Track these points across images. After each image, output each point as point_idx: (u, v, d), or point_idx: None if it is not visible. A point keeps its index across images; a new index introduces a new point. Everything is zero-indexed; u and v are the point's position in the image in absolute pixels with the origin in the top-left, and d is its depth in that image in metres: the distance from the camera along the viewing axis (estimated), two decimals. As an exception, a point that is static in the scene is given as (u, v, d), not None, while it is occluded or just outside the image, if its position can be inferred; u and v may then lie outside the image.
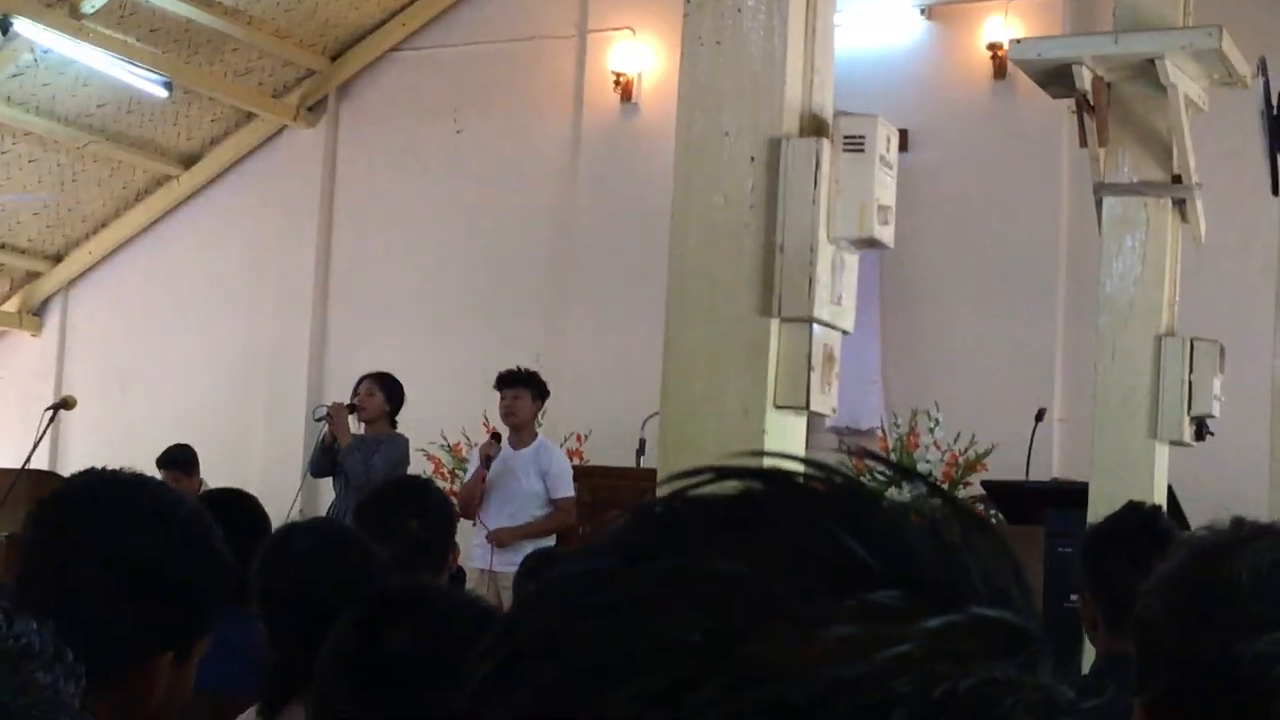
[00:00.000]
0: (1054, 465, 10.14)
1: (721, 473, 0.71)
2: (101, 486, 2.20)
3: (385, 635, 2.07)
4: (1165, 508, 4.50)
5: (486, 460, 8.82)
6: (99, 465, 2.30)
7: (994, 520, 8.49)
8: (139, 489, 2.20)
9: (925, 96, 10.99)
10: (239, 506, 4.49)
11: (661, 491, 0.72)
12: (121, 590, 2.06)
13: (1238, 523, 1.72)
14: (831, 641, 0.65)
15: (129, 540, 2.10)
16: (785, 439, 2.90)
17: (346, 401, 9.03)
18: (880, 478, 5.62)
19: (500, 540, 8.54)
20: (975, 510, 0.72)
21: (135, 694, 2.13)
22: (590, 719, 0.65)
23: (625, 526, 0.72)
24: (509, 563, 8.08)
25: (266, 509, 4.68)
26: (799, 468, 0.71)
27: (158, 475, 9.97)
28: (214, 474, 10.33)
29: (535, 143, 12.31)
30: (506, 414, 8.86)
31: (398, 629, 2.09)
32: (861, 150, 3.00)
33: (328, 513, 8.72)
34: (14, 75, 11.54)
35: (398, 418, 9.02)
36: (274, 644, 3.22)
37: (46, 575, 2.08)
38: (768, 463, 0.74)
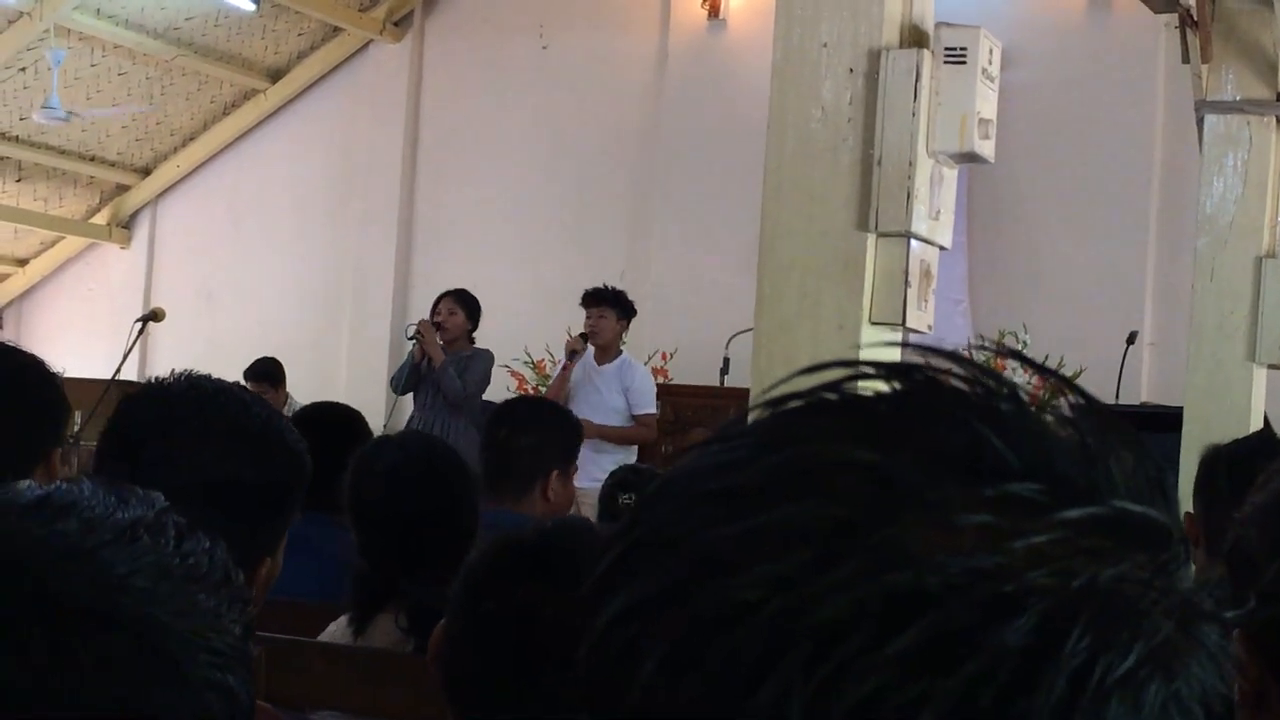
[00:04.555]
0: (1143, 390, 10.03)
1: (849, 365, 0.68)
2: (169, 411, 2.16)
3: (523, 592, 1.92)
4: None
5: (572, 355, 8.82)
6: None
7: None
8: (208, 407, 2.16)
9: (1020, 14, 10.80)
10: (338, 419, 4.51)
11: (755, 403, 0.70)
12: (194, 516, 2.04)
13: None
14: (968, 530, 0.62)
15: (204, 469, 2.08)
16: (881, 356, 2.85)
17: (427, 318, 9.04)
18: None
19: (585, 432, 8.45)
20: (1118, 416, 0.69)
21: None
22: (712, 605, 0.63)
23: (755, 421, 0.70)
24: (592, 479, 8.08)
25: (354, 422, 4.68)
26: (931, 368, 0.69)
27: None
28: (299, 388, 10.42)
29: (621, 59, 12.23)
30: (591, 332, 8.84)
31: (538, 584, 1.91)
32: (963, 62, 2.93)
33: (408, 426, 8.74)
34: (103, -13, 11.59)
35: (475, 334, 9.01)
36: (364, 555, 3.23)
37: None
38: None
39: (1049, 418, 0.68)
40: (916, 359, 0.70)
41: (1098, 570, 0.62)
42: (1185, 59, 5.22)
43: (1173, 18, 5.21)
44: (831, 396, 0.69)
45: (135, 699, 0.88)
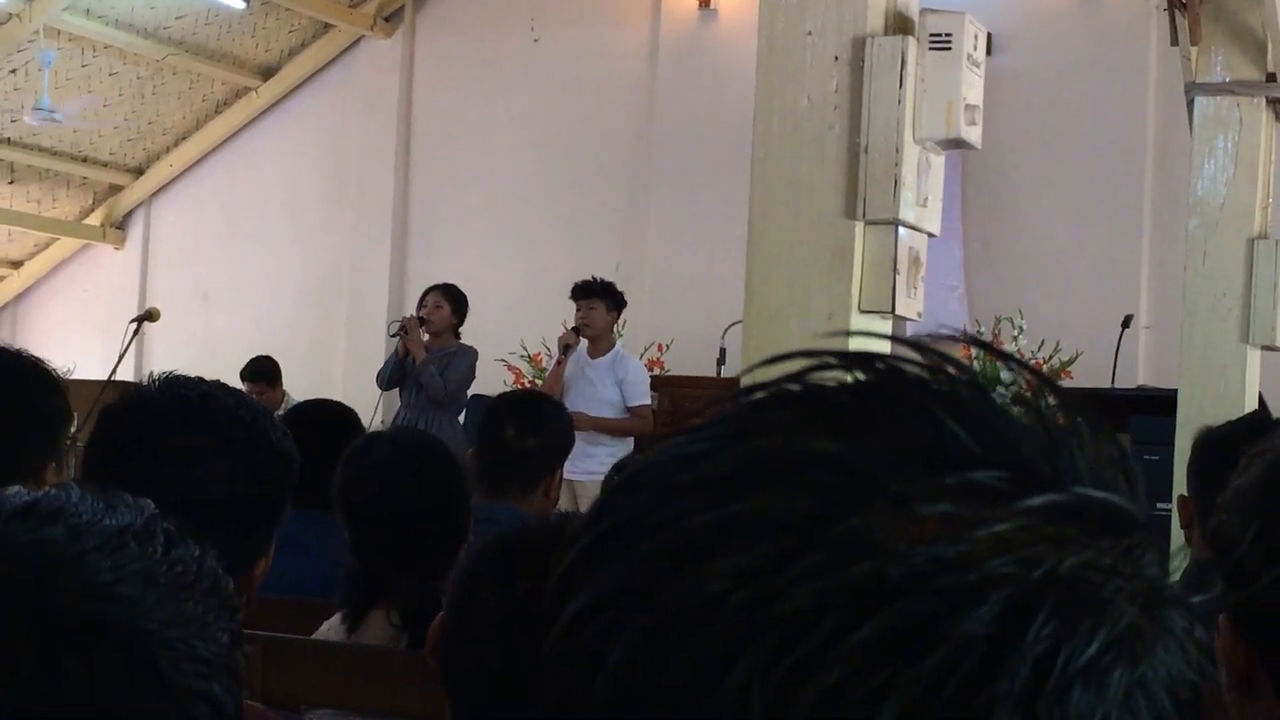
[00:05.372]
0: (1139, 373, 10.04)
1: (813, 355, 0.68)
2: (152, 425, 2.13)
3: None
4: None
5: (565, 349, 8.83)
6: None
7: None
8: (193, 417, 2.13)
9: (1009, -1, 10.80)
10: (332, 416, 4.50)
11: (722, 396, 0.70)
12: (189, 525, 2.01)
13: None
14: (931, 519, 0.62)
15: (192, 482, 2.06)
16: (870, 345, 2.84)
17: (414, 314, 9.06)
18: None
19: (579, 424, 8.45)
20: (1081, 399, 0.69)
21: None
22: (679, 596, 0.63)
23: (721, 412, 0.70)
24: (586, 471, 8.08)
25: (347, 419, 4.67)
26: (899, 355, 0.68)
27: (241, 388, 10.06)
28: (296, 385, 10.41)
29: (613, 50, 12.22)
30: (582, 324, 8.85)
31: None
32: (949, 48, 2.92)
33: (394, 422, 8.77)
34: (93, -12, 11.57)
35: (461, 329, 9.03)
36: (355, 552, 3.22)
37: None
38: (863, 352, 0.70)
39: (1012, 405, 0.67)
40: (913, 345, 0.70)
41: (1060, 557, 0.62)
42: (1175, 41, 5.21)
43: (1162, 0, 5.20)
44: (795, 387, 0.69)
45: (121, 709, 0.88)
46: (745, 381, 0.72)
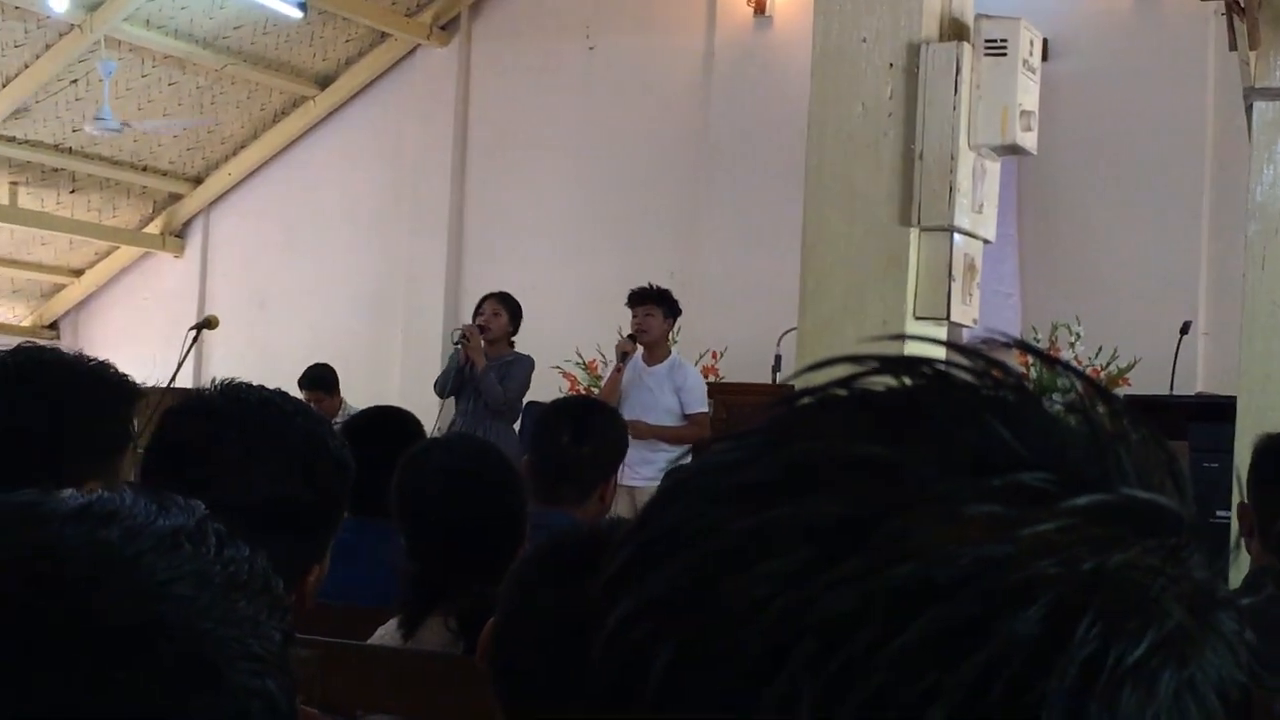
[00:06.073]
0: (1198, 380, 9.95)
1: (858, 360, 0.69)
2: (212, 429, 2.15)
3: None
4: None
5: (623, 356, 8.84)
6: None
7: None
8: (251, 423, 2.15)
9: (1066, 4, 10.74)
10: (396, 423, 4.51)
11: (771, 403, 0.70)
12: (242, 534, 2.02)
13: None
14: (976, 521, 0.62)
15: (250, 487, 2.07)
16: (925, 351, 2.84)
17: (473, 322, 9.07)
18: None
19: (638, 432, 8.48)
20: (1128, 404, 0.69)
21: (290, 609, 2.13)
22: (724, 601, 0.63)
23: (766, 418, 0.70)
24: (644, 478, 8.09)
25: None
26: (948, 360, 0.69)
27: (300, 396, 10.08)
28: (353, 392, 10.46)
29: (668, 58, 12.23)
30: (638, 331, 8.85)
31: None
32: (1004, 54, 2.92)
33: (450, 429, 8.78)
34: (152, -1, 11.67)
35: (515, 337, 9.04)
36: (412, 557, 3.24)
37: None
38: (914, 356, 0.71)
39: (1059, 408, 0.67)
40: (960, 349, 0.70)
41: (1106, 557, 0.62)
42: (1233, 46, 5.18)
43: (1221, 4, 5.16)
44: (841, 392, 0.69)
45: (179, 707, 0.88)
46: (793, 387, 0.72)
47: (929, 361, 0.69)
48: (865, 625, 0.61)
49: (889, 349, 0.71)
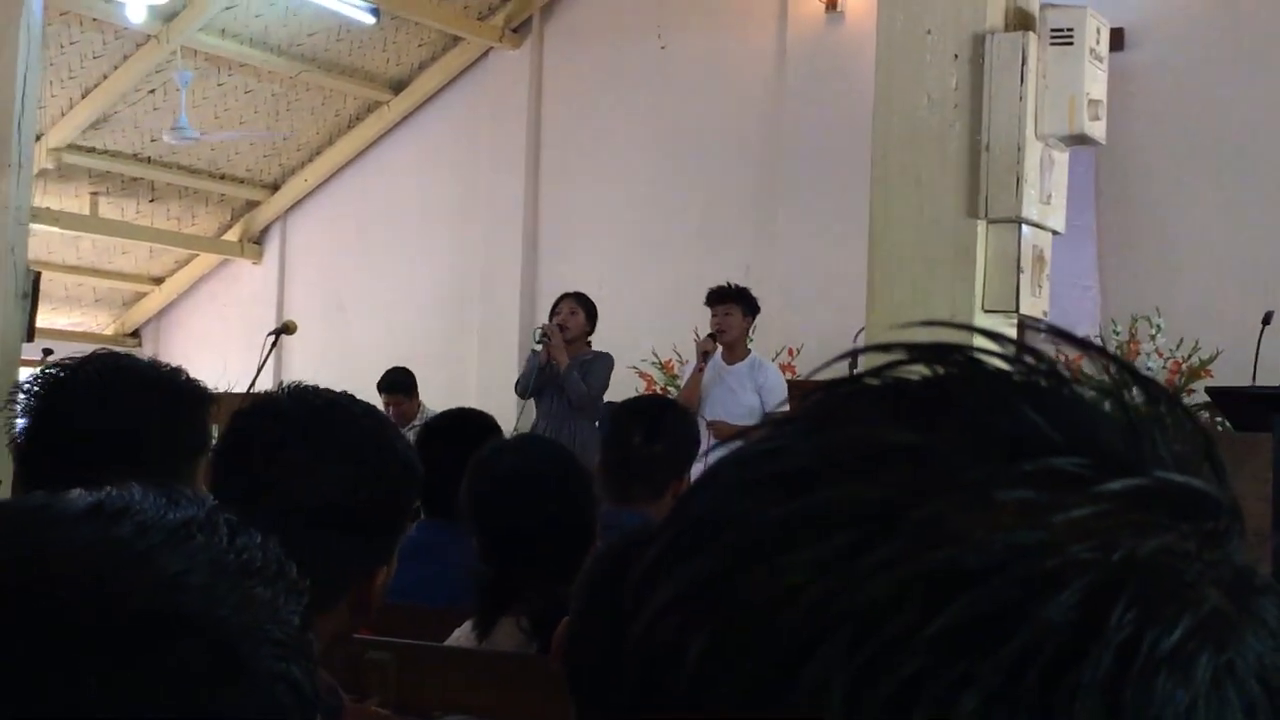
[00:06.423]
0: (1282, 370, 9.83)
1: (888, 349, 0.68)
2: (280, 432, 2.17)
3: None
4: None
5: (704, 356, 8.84)
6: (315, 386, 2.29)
7: (1220, 427, 8.27)
8: (318, 425, 2.17)
9: (1141, -7, 10.64)
10: (473, 425, 4.53)
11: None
12: (307, 533, 2.03)
13: None
14: (1008, 506, 0.62)
15: (318, 489, 2.09)
16: (995, 346, 2.81)
17: (552, 322, 9.09)
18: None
19: (720, 432, 8.48)
20: (1162, 385, 0.68)
21: (357, 610, 2.15)
22: (755, 589, 0.63)
23: (800, 408, 0.70)
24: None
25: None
26: (992, 346, 0.68)
27: (378, 399, 10.08)
28: (431, 395, 10.52)
29: (740, 56, 12.22)
30: (717, 330, 8.85)
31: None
32: (1070, 43, 2.89)
33: (533, 429, 8.80)
34: (227, 8, 11.76)
35: (592, 336, 9.05)
36: (484, 559, 3.25)
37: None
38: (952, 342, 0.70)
39: (1093, 393, 0.67)
40: (992, 335, 0.70)
41: (1140, 543, 0.61)
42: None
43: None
44: (874, 381, 0.69)
45: (205, 697, 0.89)
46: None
47: (960, 348, 0.69)
48: (898, 613, 0.60)
49: (959, 338, 0.71)
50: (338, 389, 2.31)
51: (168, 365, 2.76)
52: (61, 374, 2.64)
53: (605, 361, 8.89)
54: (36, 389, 2.61)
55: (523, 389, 9.10)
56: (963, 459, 0.63)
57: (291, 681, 0.94)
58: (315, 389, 2.26)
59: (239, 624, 0.92)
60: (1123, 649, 0.60)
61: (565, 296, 9.13)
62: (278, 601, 0.96)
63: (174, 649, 0.90)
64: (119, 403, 2.58)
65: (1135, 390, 0.67)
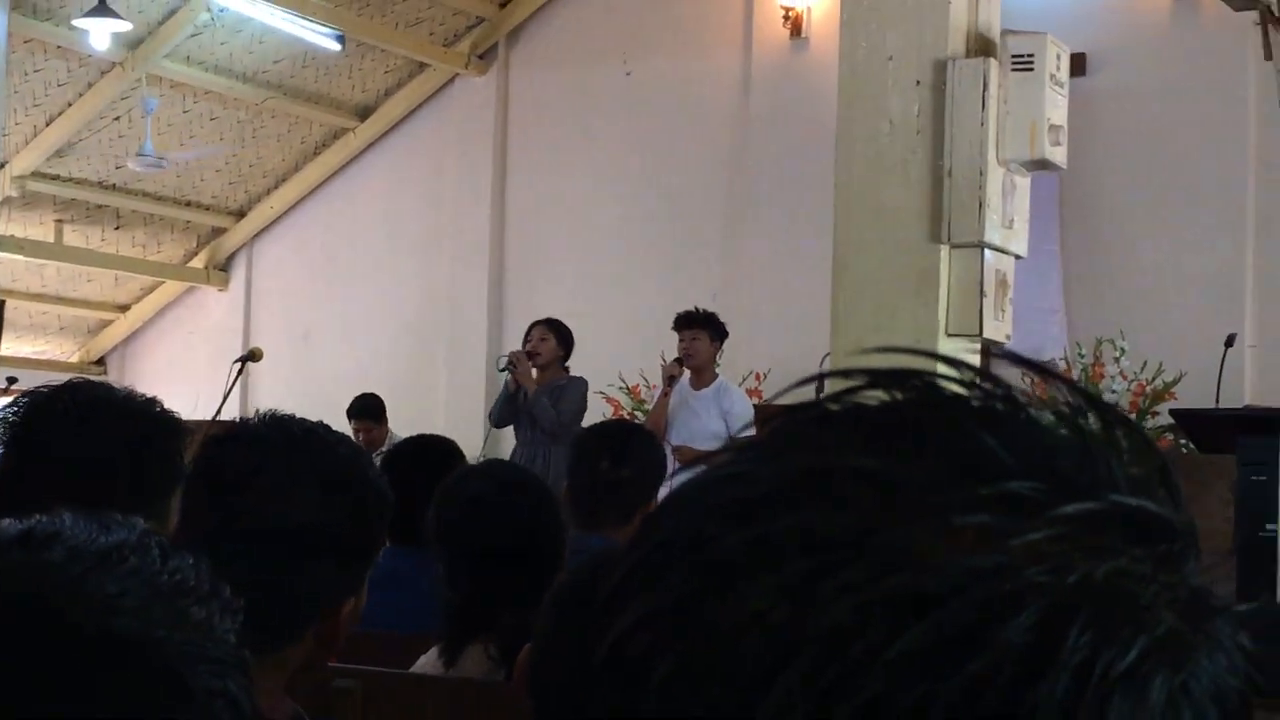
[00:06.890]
0: (1246, 393, 9.89)
1: (848, 375, 0.69)
2: (255, 458, 2.17)
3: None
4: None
5: (670, 380, 8.83)
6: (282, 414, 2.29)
7: (1184, 450, 8.31)
8: (294, 452, 2.17)
9: (1103, 19, 10.71)
10: (435, 451, 4.53)
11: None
12: (280, 560, 2.04)
13: None
14: (967, 531, 0.63)
15: (291, 515, 2.09)
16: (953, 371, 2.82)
17: (521, 349, 9.06)
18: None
19: (684, 457, 8.48)
20: (1117, 409, 0.69)
21: (324, 641, 2.14)
22: (718, 614, 0.64)
23: (762, 433, 0.71)
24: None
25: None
26: (949, 371, 0.69)
27: (347, 425, 10.01)
28: (399, 423, 10.49)
29: (705, 81, 12.25)
30: (685, 355, 8.84)
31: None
32: (1031, 69, 2.91)
33: (510, 458, 8.76)
34: (192, 35, 11.76)
35: (568, 362, 9.02)
36: (451, 585, 3.24)
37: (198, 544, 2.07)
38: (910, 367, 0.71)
39: (1050, 417, 0.68)
40: (950, 361, 0.71)
41: (1095, 565, 0.62)
42: (1268, 56, 5.15)
43: (1256, 15, 5.14)
44: (834, 406, 0.70)
45: (146, 717, 0.90)
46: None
47: (919, 374, 0.69)
48: (859, 637, 0.61)
49: (922, 366, 0.71)
50: (305, 417, 2.31)
51: (143, 395, 2.76)
52: (39, 401, 2.64)
53: (577, 386, 8.87)
54: (13, 417, 2.62)
55: (496, 419, 9.06)
56: (921, 484, 0.64)
57: (230, 698, 0.94)
58: (291, 417, 2.27)
59: (176, 643, 0.93)
60: (1079, 671, 0.60)
61: (537, 323, 9.10)
62: (213, 620, 0.96)
63: (112, 671, 0.90)
64: (97, 432, 2.58)
65: (1092, 414, 0.68)
